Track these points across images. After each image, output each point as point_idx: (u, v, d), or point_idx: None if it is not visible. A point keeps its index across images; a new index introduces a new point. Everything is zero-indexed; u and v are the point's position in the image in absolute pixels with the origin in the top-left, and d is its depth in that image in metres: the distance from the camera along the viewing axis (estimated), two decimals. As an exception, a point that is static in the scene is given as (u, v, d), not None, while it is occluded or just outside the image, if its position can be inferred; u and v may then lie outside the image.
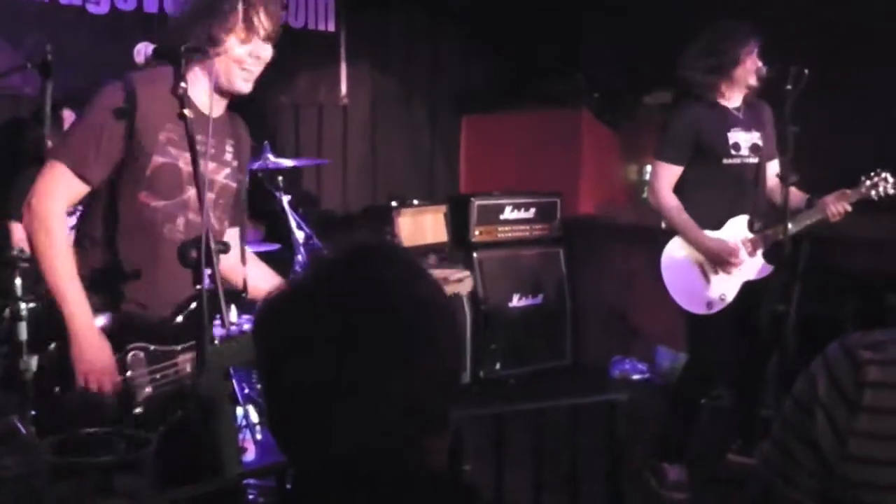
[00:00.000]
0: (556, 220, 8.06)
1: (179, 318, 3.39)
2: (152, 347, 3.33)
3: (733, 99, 5.37)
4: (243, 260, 3.60)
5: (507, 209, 7.83)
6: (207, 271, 3.05)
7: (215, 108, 3.38)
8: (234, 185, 3.57)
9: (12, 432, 4.75)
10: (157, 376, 3.32)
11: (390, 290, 1.49)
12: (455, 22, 8.57)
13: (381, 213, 7.34)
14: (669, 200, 5.28)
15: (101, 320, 3.27)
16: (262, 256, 5.89)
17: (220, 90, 3.40)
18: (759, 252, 5.30)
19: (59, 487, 2.24)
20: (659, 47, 7.59)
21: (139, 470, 2.32)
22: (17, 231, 4.90)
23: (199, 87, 3.37)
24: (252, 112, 7.07)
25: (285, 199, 5.74)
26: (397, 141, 8.56)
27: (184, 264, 3.02)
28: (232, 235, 3.62)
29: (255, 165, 5.73)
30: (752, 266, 5.31)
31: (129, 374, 3.26)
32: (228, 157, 3.55)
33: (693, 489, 5.35)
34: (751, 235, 5.28)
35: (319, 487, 1.49)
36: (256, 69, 3.39)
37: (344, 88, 8.04)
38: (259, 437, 5.77)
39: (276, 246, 6.18)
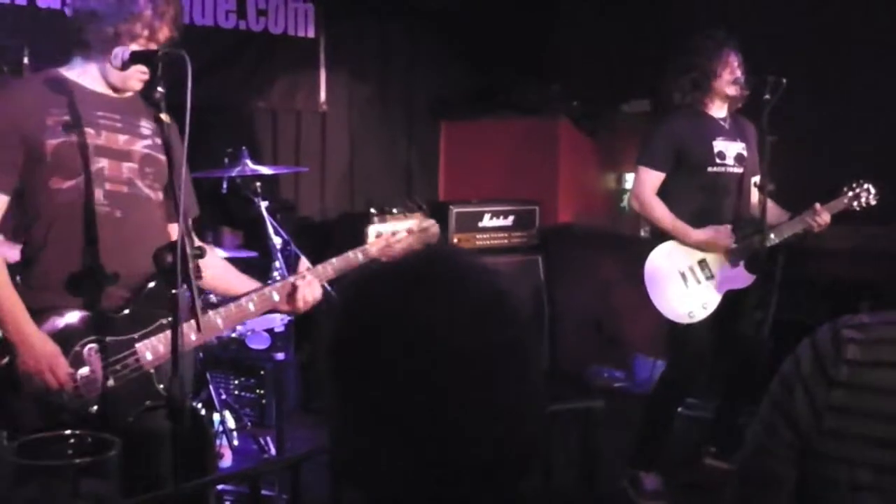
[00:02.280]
0: (534, 229, 8.06)
1: (133, 306, 3.37)
2: (108, 339, 3.30)
3: (717, 109, 5.39)
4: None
5: (486, 217, 7.83)
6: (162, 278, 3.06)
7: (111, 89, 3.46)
8: (160, 156, 3.49)
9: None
10: (118, 367, 3.30)
11: (511, 301, 1.41)
12: (434, 29, 8.57)
13: (359, 219, 7.32)
14: (653, 202, 5.29)
15: (52, 321, 3.25)
16: (240, 263, 5.92)
17: (112, 87, 3.45)
18: (742, 262, 5.31)
19: (24, 491, 2.22)
20: (637, 56, 7.66)
21: (105, 473, 2.30)
22: None
23: (89, 75, 3.43)
24: (230, 118, 7.12)
25: (263, 204, 5.72)
26: (375, 148, 8.56)
27: (159, 268, 3.01)
28: (173, 231, 3.58)
29: (234, 172, 5.72)
30: (734, 276, 5.32)
31: (86, 368, 3.25)
32: (146, 131, 3.52)
33: (670, 497, 5.35)
34: (734, 245, 5.29)
35: None
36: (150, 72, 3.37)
37: (323, 95, 8.02)
38: (235, 443, 5.76)
39: (253, 253, 6.17)
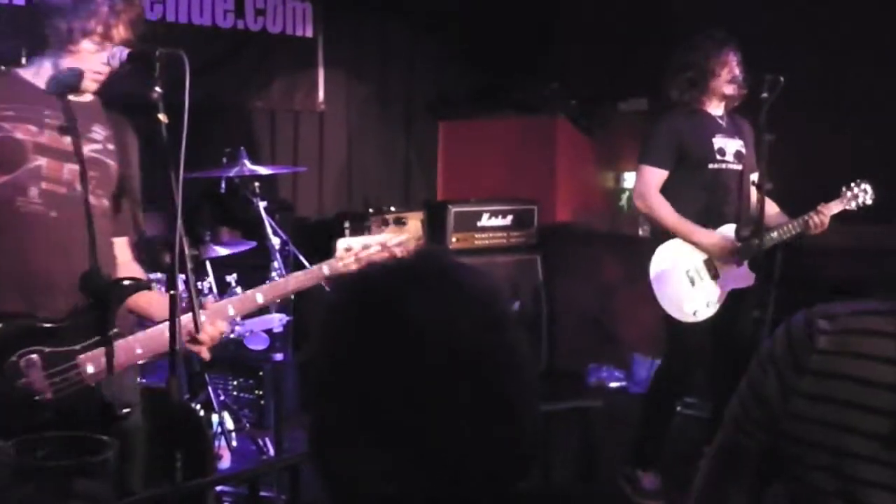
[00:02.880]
0: (533, 228, 8.06)
1: (75, 316, 3.25)
2: (47, 350, 3.15)
3: (714, 107, 5.39)
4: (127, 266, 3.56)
5: (485, 216, 7.83)
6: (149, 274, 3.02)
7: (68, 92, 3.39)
8: (110, 162, 3.43)
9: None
10: (57, 380, 3.15)
11: (500, 300, 1.41)
12: (432, 28, 8.57)
13: (358, 219, 7.33)
14: (658, 200, 5.28)
15: None
16: (238, 262, 5.91)
17: (56, 81, 3.36)
18: (745, 261, 5.31)
19: (19, 490, 2.21)
20: (634, 54, 7.67)
21: (100, 474, 2.28)
22: None
23: (43, 76, 3.36)
24: (228, 117, 7.13)
25: (261, 204, 5.72)
26: (374, 147, 8.56)
27: (158, 269, 2.99)
28: (120, 245, 3.56)
29: (232, 172, 5.71)
30: (738, 274, 5.33)
31: (23, 380, 3.10)
32: (97, 136, 3.43)
33: (667, 496, 5.35)
34: (738, 244, 5.29)
35: None
36: (105, 74, 3.34)
37: (321, 94, 8.02)
38: (234, 443, 5.76)
39: (252, 243, 6.08)
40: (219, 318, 3.37)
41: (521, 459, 1.42)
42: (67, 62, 3.30)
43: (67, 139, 3.34)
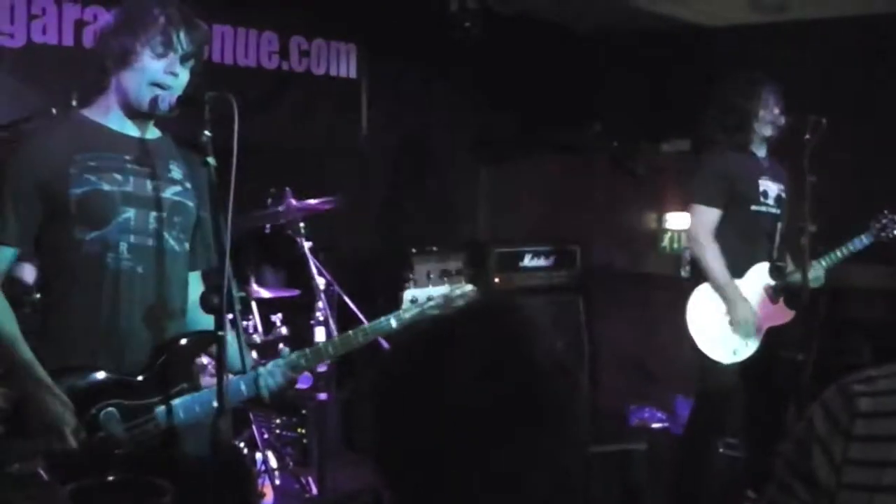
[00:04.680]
0: (574, 268, 8.06)
1: (153, 370, 3.29)
2: (126, 402, 3.21)
3: (758, 149, 5.40)
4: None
5: (527, 257, 7.85)
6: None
7: (147, 130, 3.40)
8: (189, 203, 3.45)
9: (33, 476, 4.74)
10: (135, 432, 3.20)
11: (532, 351, 1.46)
12: (474, 70, 8.60)
13: (400, 260, 7.35)
14: (713, 252, 5.25)
15: (70, 380, 3.15)
16: (283, 302, 5.96)
17: (129, 110, 3.34)
18: (781, 299, 5.30)
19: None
20: (676, 95, 7.67)
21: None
22: None
23: (112, 112, 3.35)
24: (273, 158, 7.18)
25: (306, 245, 5.75)
26: (416, 188, 8.57)
27: (206, 310, 3.00)
28: (194, 280, 3.55)
29: (277, 211, 5.75)
30: (774, 312, 5.32)
31: (101, 433, 3.14)
32: (176, 175, 3.44)
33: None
34: (772, 283, 5.28)
35: None
36: (172, 86, 3.30)
37: (364, 135, 8.06)
38: (277, 482, 5.77)
39: (296, 292, 6.19)
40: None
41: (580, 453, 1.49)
42: (129, 79, 3.27)
43: (150, 184, 3.34)
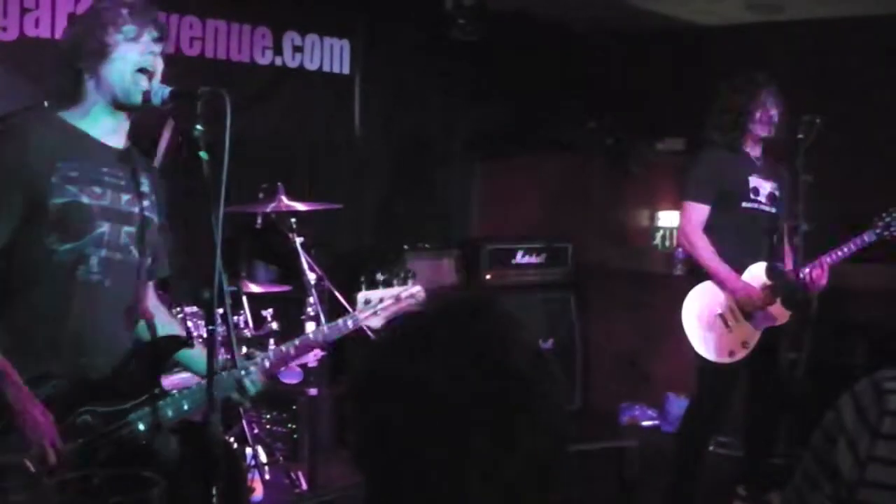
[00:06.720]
0: (567, 266, 8.07)
1: (123, 377, 3.27)
2: (100, 409, 3.17)
3: (752, 148, 5.40)
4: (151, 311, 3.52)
5: (519, 254, 7.85)
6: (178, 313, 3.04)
7: (117, 140, 3.35)
8: (155, 218, 3.43)
9: (20, 469, 4.73)
10: (113, 437, 3.17)
11: (509, 345, 1.47)
12: (470, 65, 8.59)
13: (393, 255, 7.34)
14: (703, 242, 5.28)
15: (43, 389, 3.09)
16: (274, 297, 5.95)
17: (118, 105, 3.30)
18: (779, 299, 5.30)
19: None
20: (672, 94, 7.67)
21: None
22: None
23: (91, 116, 3.30)
24: (265, 153, 7.16)
25: (298, 240, 5.74)
26: (410, 183, 8.56)
27: (197, 304, 3.01)
28: (149, 289, 3.56)
29: (269, 207, 5.74)
30: (772, 313, 5.32)
31: (80, 440, 3.11)
32: (145, 188, 3.42)
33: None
34: (770, 282, 5.29)
35: None
36: (156, 70, 3.28)
37: (358, 131, 8.05)
38: (267, 477, 5.77)
39: (287, 287, 6.18)
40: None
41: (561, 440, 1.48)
42: (111, 72, 3.23)
43: (124, 198, 3.33)
